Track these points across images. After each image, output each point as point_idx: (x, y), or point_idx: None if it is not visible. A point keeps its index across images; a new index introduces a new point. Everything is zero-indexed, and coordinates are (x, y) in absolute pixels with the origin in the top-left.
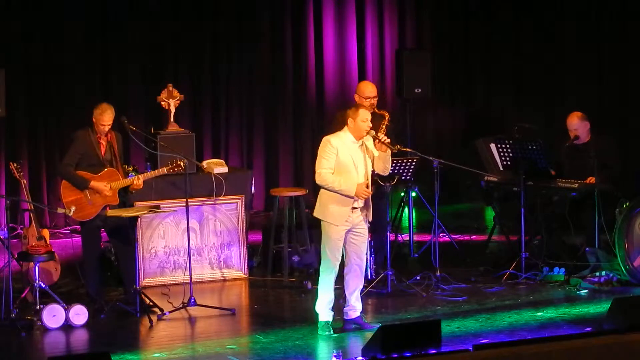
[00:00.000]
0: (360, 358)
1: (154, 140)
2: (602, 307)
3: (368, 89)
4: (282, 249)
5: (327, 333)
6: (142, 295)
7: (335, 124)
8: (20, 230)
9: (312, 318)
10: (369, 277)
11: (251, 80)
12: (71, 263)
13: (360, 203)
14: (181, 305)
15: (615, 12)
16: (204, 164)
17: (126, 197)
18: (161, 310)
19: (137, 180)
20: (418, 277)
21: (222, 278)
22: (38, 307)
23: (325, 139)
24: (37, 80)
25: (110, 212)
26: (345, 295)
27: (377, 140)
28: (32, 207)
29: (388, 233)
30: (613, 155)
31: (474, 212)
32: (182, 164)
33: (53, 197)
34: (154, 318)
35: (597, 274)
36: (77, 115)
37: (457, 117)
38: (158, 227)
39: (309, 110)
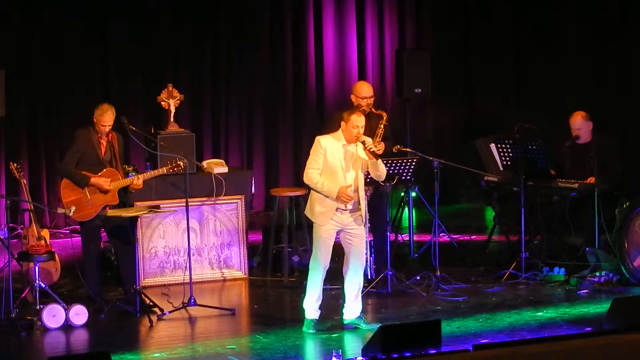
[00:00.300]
0: (360, 358)
1: (154, 140)
2: (602, 307)
3: (364, 89)
4: (282, 249)
5: (311, 331)
6: (142, 295)
7: (331, 124)
8: (20, 230)
9: None
10: (369, 277)
11: (251, 80)
12: (71, 263)
13: (349, 205)
14: (181, 305)
15: (616, 12)
16: (204, 164)
17: (126, 197)
18: (161, 310)
19: (137, 180)
20: (418, 277)
21: (222, 278)
22: (38, 307)
23: (316, 138)
24: (37, 80)
25: (110, 212)
26: (344, 295)
27: (364, 148)
28: (32, 207)
29: (388, 233)
30: (613, 155)
31: (474, 212)
32: (182, 164)
33: (53, 197)
34: (154, 318)
35: (597, 274)
36: (77, 115)
37: (457, 117)
38: (158, 227)
39: (309, 110)
